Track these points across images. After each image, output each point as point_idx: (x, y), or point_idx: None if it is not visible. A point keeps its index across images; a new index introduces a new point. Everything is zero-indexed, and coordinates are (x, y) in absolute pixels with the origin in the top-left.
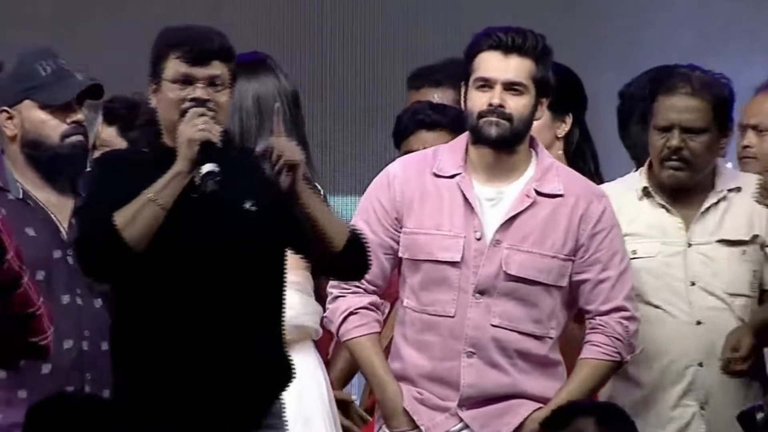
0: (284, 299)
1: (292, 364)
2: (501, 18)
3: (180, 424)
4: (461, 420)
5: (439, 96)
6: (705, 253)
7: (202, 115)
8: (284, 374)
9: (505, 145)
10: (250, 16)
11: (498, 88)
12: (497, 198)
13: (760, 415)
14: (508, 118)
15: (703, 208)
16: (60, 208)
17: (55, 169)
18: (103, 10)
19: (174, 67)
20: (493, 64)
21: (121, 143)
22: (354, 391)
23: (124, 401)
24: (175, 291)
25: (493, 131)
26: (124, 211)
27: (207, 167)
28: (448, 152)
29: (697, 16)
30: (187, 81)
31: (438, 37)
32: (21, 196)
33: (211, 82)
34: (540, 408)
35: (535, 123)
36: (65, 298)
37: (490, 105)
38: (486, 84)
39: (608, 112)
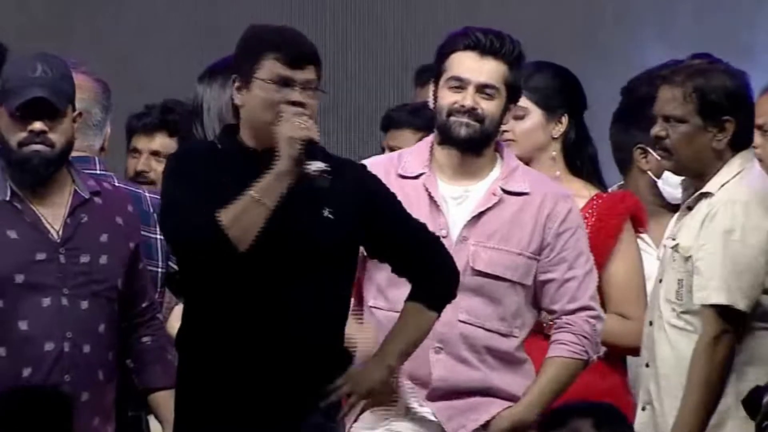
0: (350, 298)
1: (352, 354)
2: (499, 20)
3: (244, 412)
4: None
5: None
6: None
7: (301, 115)
8: (342, 362)
9: (472, 147)
10: (250, 17)
11: (471, 89)
12: (463, 196)
13: (766, 398)
14: (481, 119)
15: (680, 211)
16: (55, 207)
17: (16, 174)
18: (103, 9)
19: (271, 67)
20: (468, 65)
21: None
22: None
23: (189, 392)
24: (246, 289)
25: (462, 131)
26: (229, 211)
27: (317, 164)
28: (412, 154)
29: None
30: (284, 83)
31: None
32: (8, 198)
33: (306, 86)
34: (509, 407)
35: (529, 123)
36: (46, 301)
37: (462, 106)
38: (459, 84)
39: (607, 113)
